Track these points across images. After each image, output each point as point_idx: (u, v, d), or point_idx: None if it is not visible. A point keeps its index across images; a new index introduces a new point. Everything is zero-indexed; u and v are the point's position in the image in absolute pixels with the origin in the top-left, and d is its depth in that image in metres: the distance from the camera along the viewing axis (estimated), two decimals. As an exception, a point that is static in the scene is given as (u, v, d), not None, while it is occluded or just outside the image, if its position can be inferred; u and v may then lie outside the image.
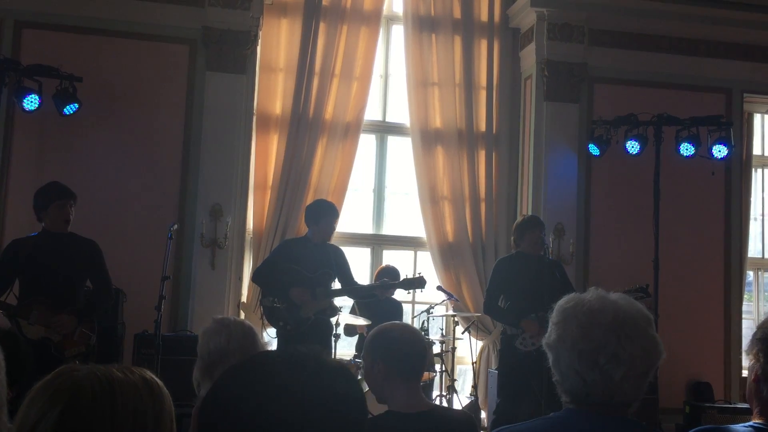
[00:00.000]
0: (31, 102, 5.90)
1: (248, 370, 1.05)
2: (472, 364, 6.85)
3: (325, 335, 5.33)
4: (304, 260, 5.29)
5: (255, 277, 5.63)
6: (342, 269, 5.43)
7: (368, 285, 5.67)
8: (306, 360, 1.04)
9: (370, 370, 2.43)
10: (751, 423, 1.84)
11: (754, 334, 1.85)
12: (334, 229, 5.50)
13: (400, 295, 6.78)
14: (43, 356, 4.14)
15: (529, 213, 7.10)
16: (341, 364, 1.09)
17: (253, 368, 1.05)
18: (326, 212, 5.39)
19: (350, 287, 5.46)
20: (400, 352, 2.41)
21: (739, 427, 1.83)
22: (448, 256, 7.22)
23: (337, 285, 5.46)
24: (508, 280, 5.40)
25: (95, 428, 1.23)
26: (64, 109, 6.04)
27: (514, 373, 5.28)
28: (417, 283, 5.50)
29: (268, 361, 1.06)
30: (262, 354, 1.10)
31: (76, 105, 6.06)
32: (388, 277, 6.45)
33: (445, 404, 6.25)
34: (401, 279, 5.72)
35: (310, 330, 5.15)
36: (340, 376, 1.05)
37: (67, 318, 4.41)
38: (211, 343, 2.63)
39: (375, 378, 2.41)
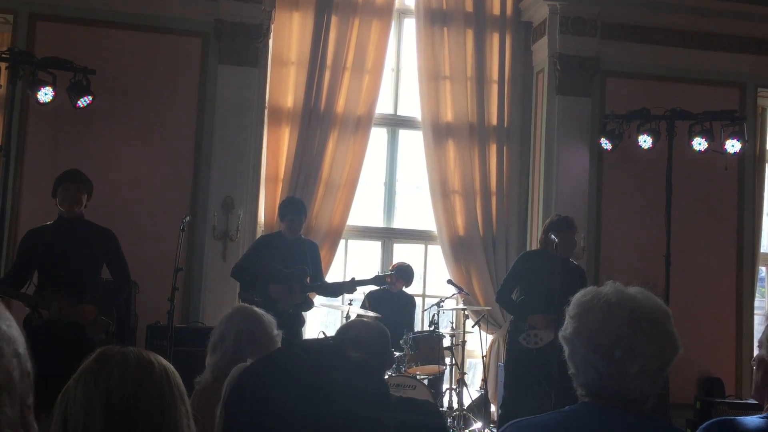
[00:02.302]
0: (45, 94, 5.94)
1: (273, 364, 1.06)
2: (482, 357, 6.86)
3: (296, 328, 5.43)
4: (280, 255, 5.40)
5: (234, 273, 5.65)
6: (313, 265, 5.53)
7: (338, 283, 5.83)
8: (330, 354, 1.06)
9: None
10: (766, 414, 1.84)
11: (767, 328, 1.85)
12: (299, 225, 5.53)
13: (412, 289, 6.80)
14: None
15: (541, 207, 7.10)
16: (365, 360, 1.11)
17: (277, 362, 1.06)
18: (289, 210, 5.50)
19: (320, 284, 5.60)
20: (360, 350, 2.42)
21: (755, 418, 1.82)
22: (459, 249, 7.22)
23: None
24: (527, 274, 5.37)
25: (133, 407, 1.37)
26: (78, 102, 6.08)
27: (518, 367, 5.29)
28: (376, 281, 5.68)
29: (292, 356, 1.07)
30: (287, 348, 1.12)
31: (90, 97, 6.10)
32: (401, 274, 6.52)
33: (455, 397, 6.28)
34: (374, 276, 5.77)
35: (284, 323, 5.20)
36: (366, 373, 1.06)
37: (88, 308, 4.45)
38: (219, 326, 2.81)
39: None
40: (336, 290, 5.75)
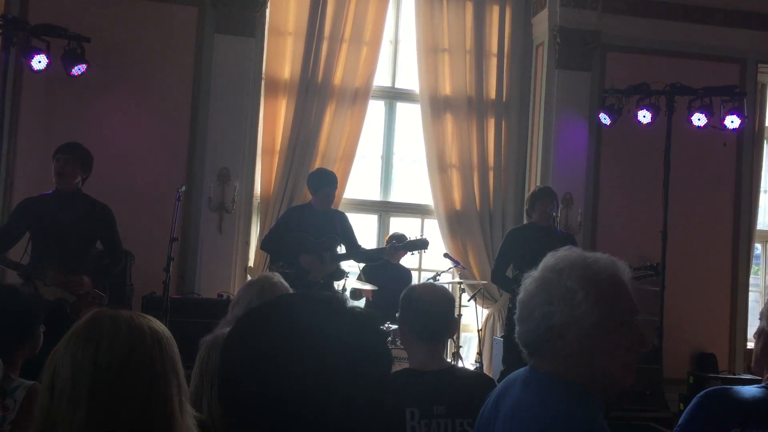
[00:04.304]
0: (39, 62, 5.87)
1: (274, 309, 1.03)
2: (478, 331, 6.88)
3: None
4: (309, 226, 5.41)
5: (264, 245, 5.75)
6: (346, 234, 5.56)
7: (374, 249, 5.81)
8: (336, 304, 1.04)
9: (399, 329, 2.58)
10: (763, 384, 1.84)
11: None
12: (333, 197, 5.57)
13: (408, 261, 6.79)
14: (58, 317, 4.18)
15: (538, 182, 7.07)
16: (369, 313, 1.08)
17: (279, 308, 1.03)
18: (326, 182, 5.49)
19: (356, 251, 5.59)
20: (416, 313, 2.47)
21: (751, 388, 1.82)
22: (456, 224, 7.21)
23: (342, 250, 5.57)
24: (517, 250, 5.39)
25: (120, 376, 1.34)
26: (72, 70, 6.01)
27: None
28: (420, 244, 5.67)
29: (297, 301, 1.05)
30: (291, 295, 1.09)
31: (85, 66, 6.04)
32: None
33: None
34: (407, 241, 5.80)
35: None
36: (368, 325, 1.04)
37: (84, 280, 4.44)
38: (241, 289, 2.79)
39: (402, 337, 2.55)
40: (374, 256, 5.77)
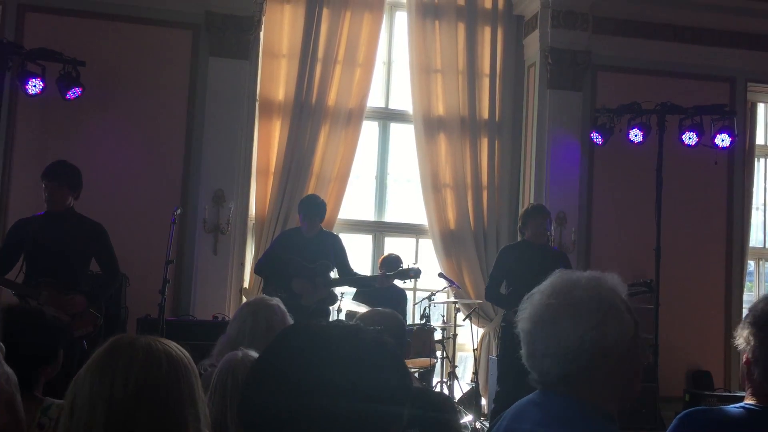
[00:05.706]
0: (34, 86, 5.91)
1: (303, 336, 1.05)
2: (473, 350, 6.87)
3: None
4: (302, 250, 5.42)
5: (257, 269, 5.74)
6: (339, 258, 5.56)
7: (365, 276, 5.86)
8: (363, 334, 1.05)
9: None
10: (742, 404, 1.85)
11: (746, 317, 1.85)
12: (310, 222, 5.48)
13: (404, 282, 6.80)
14: None
15: (532, 201, 7.11)
16: (390, 344, 1.09)
17: (308, 335, 1.05)
18: (300, 208, 5.58)
19: (348, 277, 5.60)
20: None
21: (731, 407, 1.84)
22: (450, 243, 7.23)
23: (335, 274, 5.57)
24: (511, 267, 5.41)
25: (135, 407, 1.34)
26: (67, 94, 6.04)
27: (513, 361, 5.27)
28: (413, 273, 5.67)
29: (325, 332, 1.05)
30: (319, 325, 1.09)
31: (80, 89, 6.07)
32: (389, 266, 6.52)
33: (446, 391, 6.28)
34: (399, 269, 5.80)
35: (309, 318, 5.25)
36: (394, 358, 1.06)
37: (78, 298, 4.43)
38: (238, 309, 2.80)
39: None
40: (361, 283, 5.80)
